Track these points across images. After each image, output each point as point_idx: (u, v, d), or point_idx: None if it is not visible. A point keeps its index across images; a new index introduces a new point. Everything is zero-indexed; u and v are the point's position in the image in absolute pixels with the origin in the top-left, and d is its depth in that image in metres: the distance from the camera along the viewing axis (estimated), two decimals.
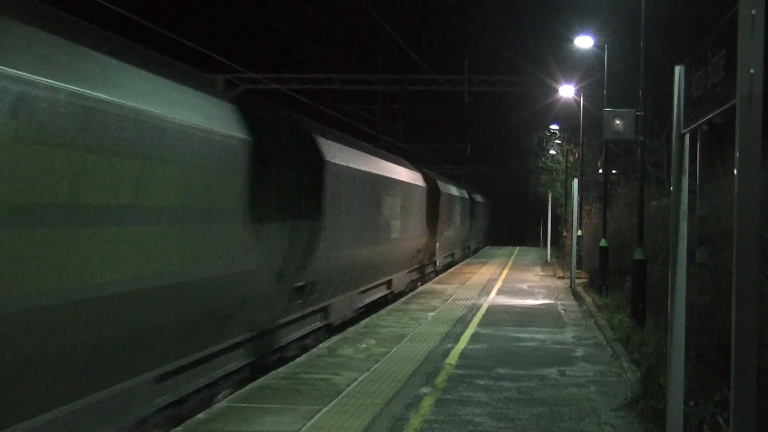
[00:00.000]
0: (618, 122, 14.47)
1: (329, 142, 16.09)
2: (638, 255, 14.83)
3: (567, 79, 34.30)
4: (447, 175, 51.10)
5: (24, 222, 6.22)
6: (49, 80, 6.51)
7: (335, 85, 35.99)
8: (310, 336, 15.06)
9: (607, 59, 23.08)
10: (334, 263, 15.65)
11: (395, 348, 13.47)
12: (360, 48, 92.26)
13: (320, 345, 13.83)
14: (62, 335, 6.81)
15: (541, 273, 33.55)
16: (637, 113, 14.74)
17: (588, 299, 21.48)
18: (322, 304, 15.66)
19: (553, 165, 48.27)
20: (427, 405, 9.48)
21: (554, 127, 45.59)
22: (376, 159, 20.98)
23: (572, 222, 27.88)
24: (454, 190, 38.68)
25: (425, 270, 30.67)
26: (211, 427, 8.49)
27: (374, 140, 39.64)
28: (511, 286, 26.25)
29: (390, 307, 20.01)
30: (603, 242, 21.60)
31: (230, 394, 10.63)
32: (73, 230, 6.78)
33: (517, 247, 61.62)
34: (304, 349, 14.01)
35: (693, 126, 6.26)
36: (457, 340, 14.46)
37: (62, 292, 6.64)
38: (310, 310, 14.76)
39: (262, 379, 11.01)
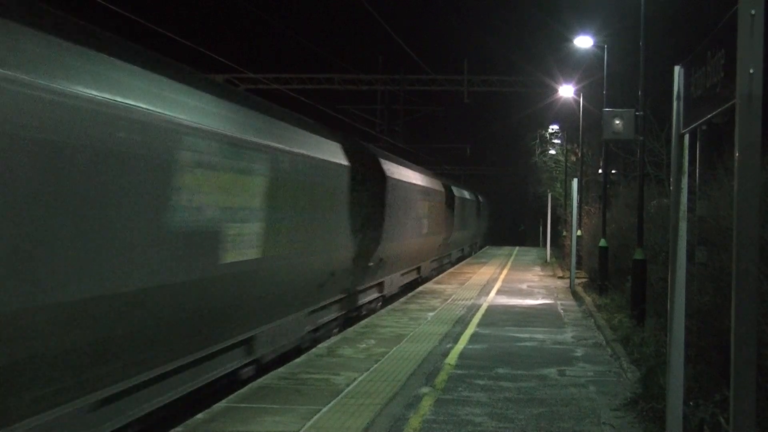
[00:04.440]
0: (618, 122, 14.47)
1: None
2: (638, 255, 14.84)
3: (567, 79, 34.34)
4: (446, 175, 50.85)
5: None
6: None
7: (335, 85, 36.02)
8: None
9: (607, 59, 23.10)
10: None
11: (395, 348, 13.47)
12: (360, 48, 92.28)
13: (320, 345, 13.82)
14: None
15: (541, 273, 33.55)
16: (637, 113, 14.74)
17: (588, 299, 21.48)
18: None
19: (552, 165, 48.29)
20: (426, 405, 9.48)
21: (554, 127, 45.64)
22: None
23: (572, 222, 27.89)
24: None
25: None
26: (211, 427, 8.48)
27: (374, 140, 39.65)
28: (510, 286, 26.25)
29: (390, 307, 20.00)
30: (603, 242, 21.60)
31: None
32: None
33: (517, 248, 61.63)
34: None
35: (692, 126, 6.26)
36: (456, 340, 14.46)
37: None
38: None
39: (261, 379, 11.00)
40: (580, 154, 32.16)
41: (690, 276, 7.56)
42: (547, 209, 44.36)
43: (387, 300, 22.22)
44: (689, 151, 6.74)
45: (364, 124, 43.35)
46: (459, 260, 42.47)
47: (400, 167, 24.38)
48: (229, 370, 11.18)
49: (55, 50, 6.92)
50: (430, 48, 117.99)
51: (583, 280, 26.84)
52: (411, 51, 43.45)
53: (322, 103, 32.45)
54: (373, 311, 20.10)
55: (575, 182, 27.97)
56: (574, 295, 23.48)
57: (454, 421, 8.78)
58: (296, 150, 13.04)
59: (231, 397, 9.96)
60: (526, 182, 62.41)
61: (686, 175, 6.68)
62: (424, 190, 27.90)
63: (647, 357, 11.29)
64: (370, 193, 18.71)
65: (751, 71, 4.44)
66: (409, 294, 23.61)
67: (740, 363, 4.39)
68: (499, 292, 24.04)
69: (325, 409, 9.19)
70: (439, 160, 64.04)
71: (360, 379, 10.92)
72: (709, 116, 5.60)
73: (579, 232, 28.26)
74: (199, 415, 9.01)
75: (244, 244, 10.70)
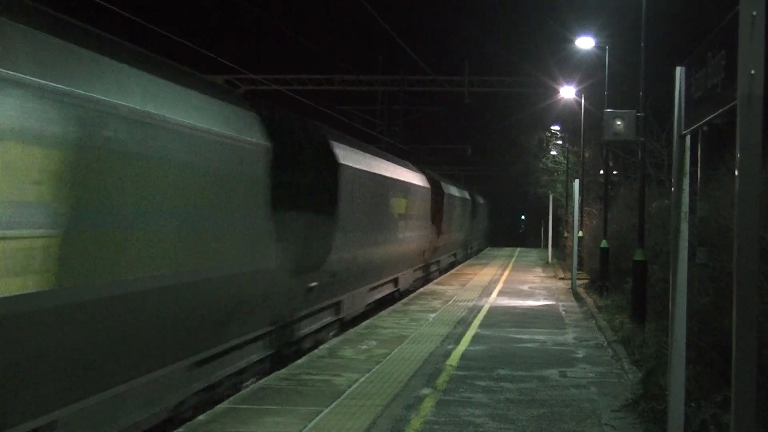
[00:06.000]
0: (618, 123, 14.45)
1: None
2: (639, 256, 14.82)
3: (567, 80, 34.34)
4: (447, 175, 50.90)
5: None
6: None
7: (335, 85, 36.01)
8: None
9: (608, 60, 23.10)
10: None
11: (396, 349, 13.47)
12: (360, 48, 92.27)
13: (321, 346, 13.83)
14: None
15: (542, 274, 33.54)
16: (638, 114, 14.73)
17: (589, 300, 21.47)
18: None
19: (553, 166, 48.28)
20: (427, 406, 9.48)
21: (555, 128, 45.62)
22: None
23: (573, 223, 27.88)
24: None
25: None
26: (212, 428, 8.48)
27: (374, 141, 39.66)
28: (512, 288, 26.24)
29: (391, 308, 20.01)
30: (604, 243, 21.60)
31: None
32: None
33: (518, 249, 61.61)
34: None
35: (693, 127, 6.27)
36: (457, 341, 14.46)
37: None
38: None
39: (262, 380, 11.01)
40: (581, 156, 32.15)
41: (691, 277, 7.57)
42: (548, 210, 44.35)
43: (442, 271, 34.54)
44: (690, 152, 6.74)
45: (364, 124, 43.36)
46: (478, 251, 54.64)
47: (449, 184, 37.00)
48: (388, 293, 22.49)
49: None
50: (431, 48, 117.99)
51: (585, 281, 26.83)
52: (411, 51, 43.50)
53: (322, 104, 32.48)
54: (436, 277, 31.46)
55: (577, 183, 27.95)
56: (576, 296, 23.47)
57: (455, 422, 8.78)
58: (410, 182, 24.51)
59: (232, 398, 9.97)
60: (527, 183, 62.34)
61: (687, 176, 6.69)
62: (462, 200, 41.16)
63: (648, 358, 11.29)
64: (438, 203, 31.51)
65: (752, 72, 4.44)
66: (411, 295, 23.64)
67: (741, 363, 4.39)
68: (500, 294, 24.04)
69: (326, 410, 9.19)
70: (439, 161, 64.01)
71: (361, 380, 10.92)
72: (709, 117, 5.60)
73: (580, 233, 28.25)
74: (201, 417, 9.02)
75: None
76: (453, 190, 37.80)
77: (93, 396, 7.43)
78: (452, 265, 38.44)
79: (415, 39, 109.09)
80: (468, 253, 48.44)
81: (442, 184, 33.56)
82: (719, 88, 5.26)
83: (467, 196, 45.29)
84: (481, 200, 55.72)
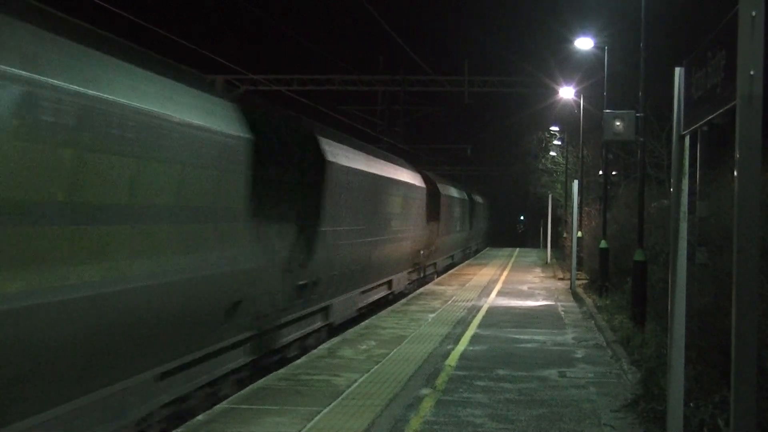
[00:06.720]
0: (618, 123, 14.45)
1: None
2: (638, 256, 14.82)
3: (567, 80, 34.35)
4: (446, 176, 50.82)
5: None
6: None
7: (336, 85, 35.99)
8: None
9: (608, 60, 23.10)
10: None
11: (395, 349, 13.47)
12: (360, 48, 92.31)
13: (321, 346, 13.83)
14: None
15: (542, 274, 33.54)
16: (638, 114, 14.73)
17: (588, 300, 21.46)
18: None
19: (553, 166, 48.28)
20: (427, 406, 9.48)
21: (554, 128, 45.62)
22: None
23: (572, 223, 27.87)
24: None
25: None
26: (211, 428, 8.48)
27: (375, 141, 39.67)
28: (511, 288, 26.24)
29: (390, 308, 20.01)
30: (603, 243, 21.59)
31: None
32: None
33: (517, 249, 61.60)
34: None
35: (693, 127, 6.26)
36: (457, 341, 14.46)
37: None
38: None
39: (262, 380, 11.01)
40: (581, 156, 32.14)
41: (691, 277, 7.57)
42: (547, 210, 44.33)
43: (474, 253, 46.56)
44: (690, 152, 6.74)
45: (364, 124, 43.38)
46: (486, 246, 62.51)
47: (476, 194, 44.15)
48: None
49: None
50: (430, 48, 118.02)
51: (584, 281, 26.83)
52: (411, 51, 43.54)
53: (322, 104, 32.49)
54: (471, 256, 45.38)
55: (576, 183, 27.95)
56: (575, 296, 23.47)
57: (455, 422, 8.78)
58: (478, 199, 48.12)
59: (232, 398, 9.97)
60: (527, 183, 62.34)
61: (687, 176, 6.69)
62: (480, 204, 50.43)
63: (648, 358, 11.29)
64: (478, 209, 44.14)
65: (752, 72, 4.44)
66: (410, 295, 23.64)
67: (741, 363, 4.38)
68: (499, 294, 24.04)
69: (325, 410, 9.19)
70: (440, 161, 63.98)
71: (361, 380, 10.92)
72: (709, 117, 5.60)
73: (579, 234, 28.25)
74: (200, 416, 9.02)
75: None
76: (477, 197, 42.42)
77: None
78: (475, 252, 49.90)
79: (415, 39, 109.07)
80: (478, 246, 53.79)
81: (477, 195, 32.74)
82: (719, 88, 5.26)
83: (483, 200, 43.61)
84: (481, 200, 53.48)
